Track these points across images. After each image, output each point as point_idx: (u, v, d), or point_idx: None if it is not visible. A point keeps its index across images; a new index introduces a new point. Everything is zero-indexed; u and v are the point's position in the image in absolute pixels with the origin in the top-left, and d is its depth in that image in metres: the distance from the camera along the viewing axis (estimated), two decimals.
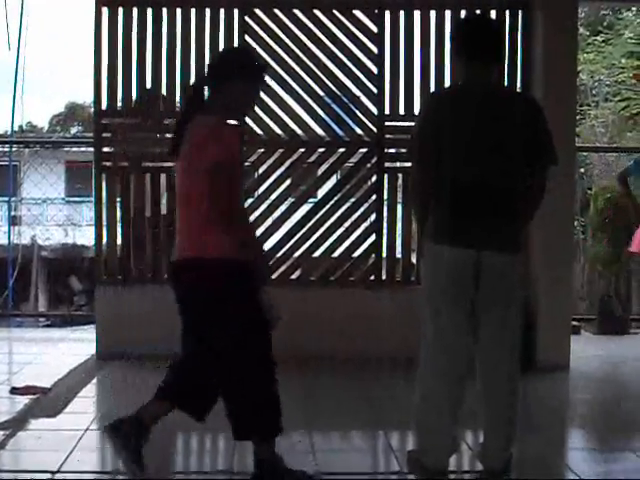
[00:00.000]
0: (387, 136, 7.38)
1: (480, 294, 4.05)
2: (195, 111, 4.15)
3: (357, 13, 7.42)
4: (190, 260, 4.10)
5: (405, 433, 5.14)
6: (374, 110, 7.37)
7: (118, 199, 7.42)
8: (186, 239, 4.14)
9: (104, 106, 7.38)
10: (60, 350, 7.74)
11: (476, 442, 4.65)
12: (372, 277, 7.47)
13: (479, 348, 4.17)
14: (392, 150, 7.44)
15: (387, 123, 7.39)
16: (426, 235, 4.17)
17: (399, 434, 5.11)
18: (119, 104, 7.38)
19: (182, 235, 4.17)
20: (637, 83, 13.44)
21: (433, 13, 7.38)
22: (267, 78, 4.59)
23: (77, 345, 7.74)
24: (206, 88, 4.24)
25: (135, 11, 7.34)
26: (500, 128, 4.05)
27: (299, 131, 7.40)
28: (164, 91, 7.36)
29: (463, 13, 7.34)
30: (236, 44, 7.20)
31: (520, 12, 7.27)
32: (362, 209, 7.45)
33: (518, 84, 7.24)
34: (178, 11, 7.36)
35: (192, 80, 7.14)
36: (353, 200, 7.53)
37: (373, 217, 7.46)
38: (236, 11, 7.36)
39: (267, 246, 7.47)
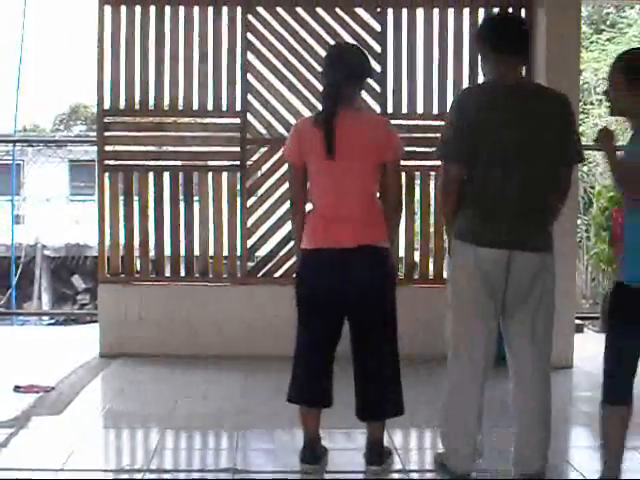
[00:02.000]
0: None
1: (512, 293, 4.04)
2: (337, 108, 4.33)
3: (360, 11, 7.42)
4: (367, 247, 4.30)
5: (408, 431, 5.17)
6: (377, 108, 7.36)
7: (121, 198, 7.43)
8: (359, 227, 4.30)
9: (107, 105, 7.38)
10: (63, 349, 7.75)
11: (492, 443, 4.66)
12: None
13: (512, 348, 4.17)
14: None
15: (390, 121, 7.36)
16: (456, 234, 4.14)
17: (401, 432, 5.12)
18: (122, 103, 7.39)
19: (349, 224, 4.29)
20: None
21: (436, 11, 7.39)
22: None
23: (80, 344, 7.74)
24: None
25: (138, 9, 7.35)
26: (532, 124, 4.01)
27: None
28: (167, 90, 7.37)
29: (466, 11, 7.35)
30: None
31: (523, 10, 7.27)
32: None
33: None
34: (181, 9, 7.36)
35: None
36: None
37: None
38: (239, 9, 7.37)
39: (270, 245, 7.49)
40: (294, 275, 4.54)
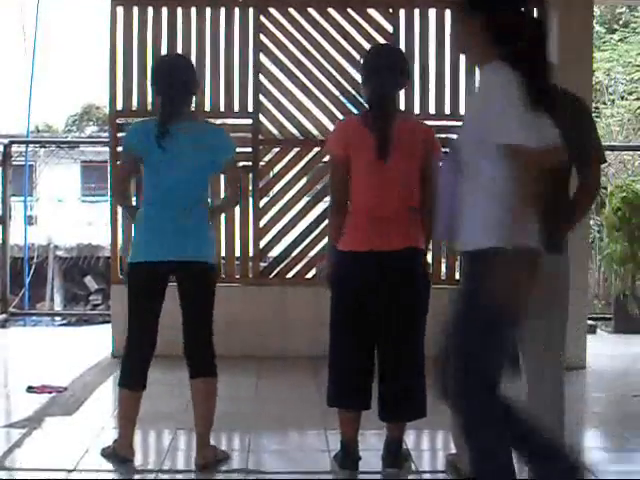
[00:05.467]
0: None
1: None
2: (392, 110, 4.33)
3: (372, 12, 7.42)
4: (411, 249, 4.31)
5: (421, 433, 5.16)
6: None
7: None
8: (402, 229, 4.31)
9: (119, 106, 7.40)
10: (76, 349, 7.77)
11: None
12: None
13: (525, 349, 4.14)
14: None
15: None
16: None
17: (414, 433, 5.10)
18: (134, 104, 7.40)
19: (393, 225, 4.29)
20: None
21: (448, 12, 7.37)
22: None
23: (93, 344, 7.76)
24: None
25: (150, 10, 7.36)
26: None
27: (314, 130, 7.40)
28: None
29: None
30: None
31: (535, 10, 7.23)
32: None
33: None
34: (193, 10, 7.37)
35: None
36: None
37: None
38: (251, 10, 7.38)
39: (282, 245, 7.49)
40: (331, 275, 4.41)
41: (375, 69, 4.39)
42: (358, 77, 7.34)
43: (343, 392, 4.39)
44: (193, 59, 7.27)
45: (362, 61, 4.64)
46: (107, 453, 4.53)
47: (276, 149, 7.48)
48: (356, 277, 4.30)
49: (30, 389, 6.09)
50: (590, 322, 7.93)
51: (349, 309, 4.33)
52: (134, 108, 7.40)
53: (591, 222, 9.10)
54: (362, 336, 4.34)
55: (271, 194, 7.52)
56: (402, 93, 7.23)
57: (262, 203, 7.47)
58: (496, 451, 3.38)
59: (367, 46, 7.34)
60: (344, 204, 4.40)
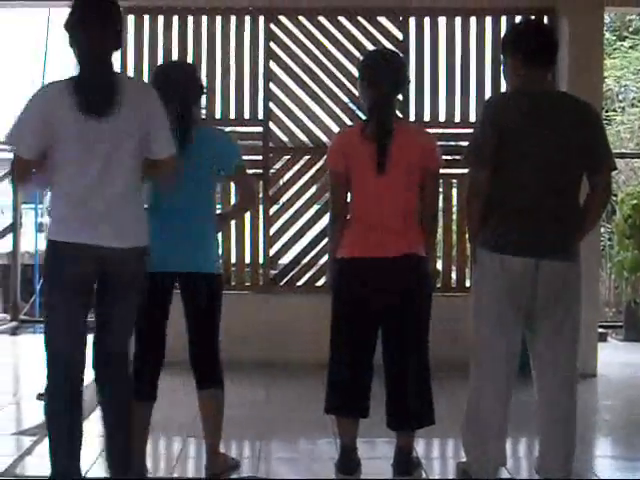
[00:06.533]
0: None
1: (539, 302, 4.01)
2: (392, 121, 4.29)
3: (382, 20, 7.43)
4: (411, 256, 4.28)
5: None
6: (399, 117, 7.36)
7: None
8: (401, 237, 4.28)
9: None
10: (86, 355, 7.75)
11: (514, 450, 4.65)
12: None
13: (537, 356, 4.14)
14: None
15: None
16: (481, 242, 4.10)
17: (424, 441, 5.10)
18: None
19: (391, 233, 4.27)
20: None
21: (458, 20, 7.39)
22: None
23: None
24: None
25: (161, 19, 7.39)
26: (561, 132, 4.00)
27: (324, 138, 7.41)
28: None
29: (488, 19, 7.35)
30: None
31: (546, 18, 7.25)
32: None
33: None
34: (204, 18, 7.40)
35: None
36: None
37: None
38: (261, 18, 7.40)
39: (293, 253, 7.49)
40: (332, 284, 4.45)
41: (371, 77, 4.35)
42: None
43: (340, 400, 4.39)
44: (204, 67, 7.35)
45: (360, 66, 4.54)
46: None
47: (286, 157, 7.49)
48: (355, 283, 4.30)
49: (40, 396, 6.08)
50: (601, 330, 7.90)
51: (347, 317, 4.34)
52: None
53: (602, 230, 9.07)
54: (361, 344, 4.35)
55: (281, 202, 7.52)
56: (412, 101, 7.33)
57: (272, 211, 7.48)
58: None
59: None
60: (344, 216, 4.41)
